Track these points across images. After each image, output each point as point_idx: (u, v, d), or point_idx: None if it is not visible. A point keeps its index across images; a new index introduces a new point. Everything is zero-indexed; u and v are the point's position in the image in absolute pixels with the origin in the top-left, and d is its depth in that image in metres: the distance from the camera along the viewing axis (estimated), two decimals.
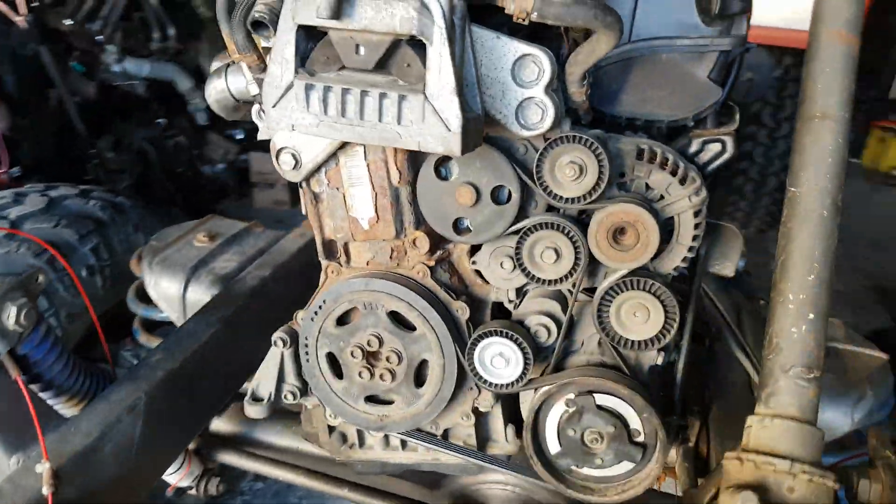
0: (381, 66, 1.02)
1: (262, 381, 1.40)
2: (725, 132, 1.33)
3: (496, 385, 1.24)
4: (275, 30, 1.02)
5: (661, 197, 1.19)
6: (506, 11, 1.00)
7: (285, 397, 1.40)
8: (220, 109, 1.41)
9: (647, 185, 1.19)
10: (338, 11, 0.94)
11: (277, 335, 1.37)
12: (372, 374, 1.30)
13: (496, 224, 1.20)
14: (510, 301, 1.31)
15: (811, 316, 1.05)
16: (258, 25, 1.02)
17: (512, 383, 1.24)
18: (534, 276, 1.21)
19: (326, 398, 1.36)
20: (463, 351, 1.26)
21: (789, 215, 1.11)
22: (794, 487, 0.96)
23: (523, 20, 1.00)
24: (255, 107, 1.26)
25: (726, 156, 1.31)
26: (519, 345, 1.21)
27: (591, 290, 1.25)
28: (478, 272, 1.31)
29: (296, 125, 1.05)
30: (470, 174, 1.19)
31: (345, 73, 1.02)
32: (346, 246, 1.31)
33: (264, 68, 1.17)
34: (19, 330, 1.40)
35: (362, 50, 1.00)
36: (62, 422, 1.51)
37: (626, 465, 1.25)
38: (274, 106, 1.05)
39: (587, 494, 1.27)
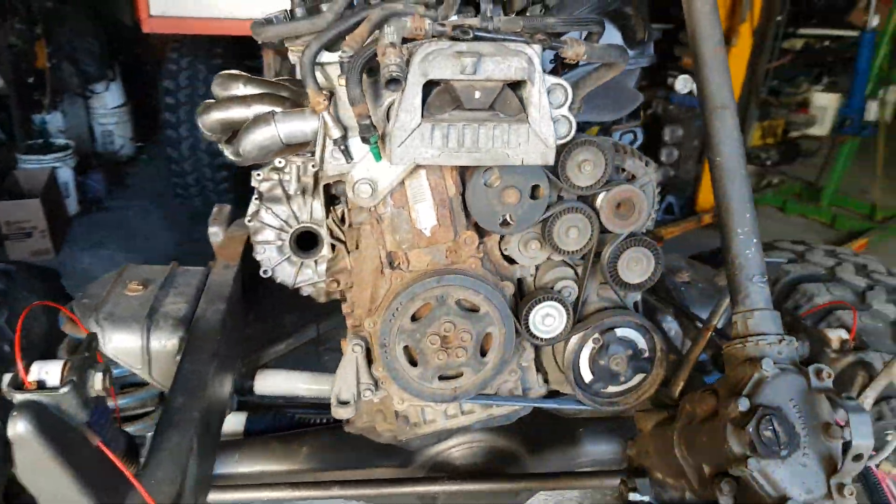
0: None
1: (344, 385, 1.58)
2: (636, 125, 1.85)
3: (548, 339, 1.61)
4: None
5: (634, 177, 1.65)
6: (564, 57, 1.36)
7: (364, 395, 1.61)
8: (257, 155, 1.56)
9: (623, 169, 1.64)
10: (474, 70, 1.23)
11: (354, 343, 1.57)
12: (447, 355, 1.58)
13: (534, 215, 1.56)
14: (531, 275, 1.68)
15: (755, 240, 1.58)
16: (393, 82, 1.25)
17: (559, 335, 1.61)
18: (561, 249, 1.59)
19: (405, 385, 1.59)
20: (518, 319, 1.59)
21: (719, 176, 1.63)
22: (782, 352, 1.48)
23: (574, 61, 1.38)
24: (328, 150, 1.46)
25: (638, 142, 1.83)
26: (563, 304, 1.59)
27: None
28: (506, 257, 1.65)
29: (419, 158, 1.31)
30: (512, 179, 1.52)
31: (457, 112, 1.30)
32: (406, 254, 1.56)
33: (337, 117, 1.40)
34: (103, 395, 1.40)
35: (478, 94, 1.29)
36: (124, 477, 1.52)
37: (639, 377, 1.70)
38: (400, 145, 1.29)
39: (616, 406, 1.70)
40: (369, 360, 1.64)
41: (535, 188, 1.54)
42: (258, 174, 2.41)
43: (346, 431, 1.79)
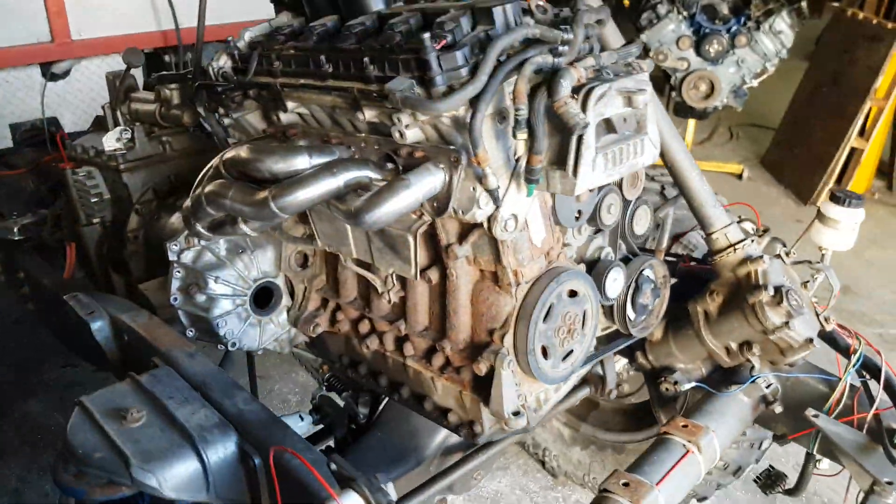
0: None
1: (507, 399, 1.73)
2: None
3: (615, 297, 1.97)
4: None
5: None
6: None
7: (520, 398, 1.78)
8: (385, 223, 1.55)
9: None
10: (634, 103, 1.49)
11: (503, 362, 1.72)
12: (569, 340, 1.84)
13: (593, 203, 1.87)
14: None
15: (703, 178, 2.15)
16: (580, 127, 1.41)
17: (621, 292, 1.99)
18: (605, 224, 1.94)
19: (544, 377, 1.81)
20: (601, 290, 1.92)
21: (673, 160, 2.12)
22: (756, 248, 2.10)
23: None
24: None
25: None
26: (623, 266, 1.96)
27: None
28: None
29: (593, 184, 1.52)
30: None
31: (611, 137, 1.54)
32: (522, 270, 1.74)
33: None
34: None
35: (626, 121, 1.53)
36: None
37: (654, 303, 2.18)
38: (582, 178, 1.48)
39: (645, 331, 2.16)
40: None
41: None
42: (174, 245, 2.20)
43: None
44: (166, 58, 4.53)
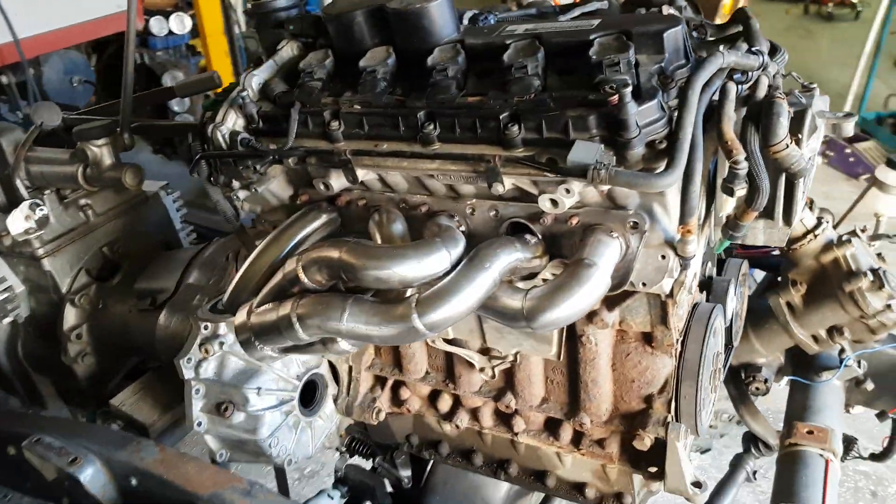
0: None
1: (687, 473, 1.51)
2: None
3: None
4: None
5: None
6: None
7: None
8: None
9: None
10: None
11: (677, 433, 1.49)
12: (715, 382, 1.64)
13: None
14: None
15: None
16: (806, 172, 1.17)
17: None
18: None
19: (704, 432, 1.61)
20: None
21: None
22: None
23: None
24: None
25: None
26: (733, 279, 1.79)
27: None
28: None
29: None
30: None
31: None
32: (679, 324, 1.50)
33: None
34: None
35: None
36: None
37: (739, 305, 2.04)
38: (791, 224, 1.25)
39: (738, 336, 2.02)
40: None
41: None
42: (187, 361, 1.76)
43: None
44: (3, 78, 3.59)
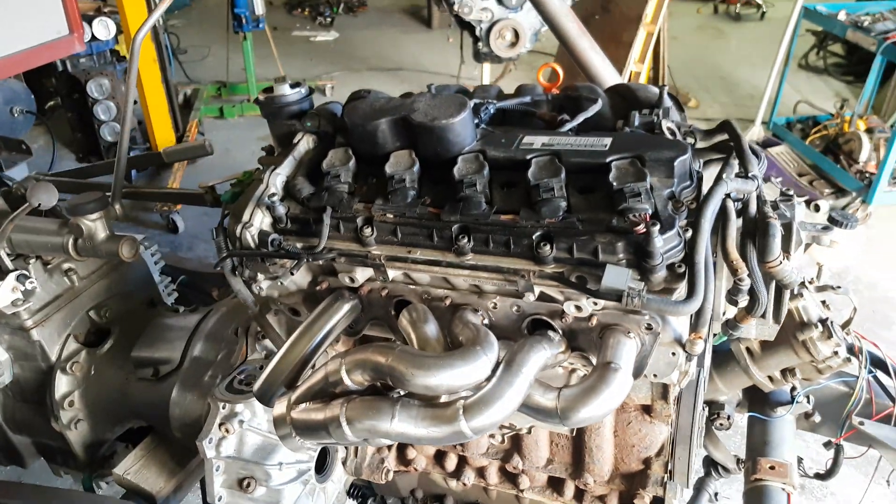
0: None
1: None
2: None
3: None
4: None
5: None
6: None
7: None
8: None
9: None
10: None
11: (675, 493, 1.67)
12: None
13: None
14: None
15: None
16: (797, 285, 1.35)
17: None
18: None
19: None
20: None
21: None
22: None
23: None
24: None
25: None
26: None
27: None
28: None
29: None
30: None
31: None
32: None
33: None
34: None
35: None
36: None
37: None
38: (780, 322, 1.44)
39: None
40: None
41: None
42: (208, 441, 1.84)
43: None
44: None
